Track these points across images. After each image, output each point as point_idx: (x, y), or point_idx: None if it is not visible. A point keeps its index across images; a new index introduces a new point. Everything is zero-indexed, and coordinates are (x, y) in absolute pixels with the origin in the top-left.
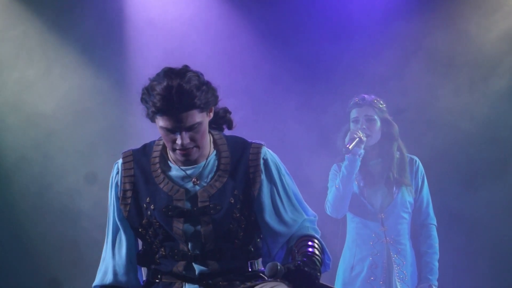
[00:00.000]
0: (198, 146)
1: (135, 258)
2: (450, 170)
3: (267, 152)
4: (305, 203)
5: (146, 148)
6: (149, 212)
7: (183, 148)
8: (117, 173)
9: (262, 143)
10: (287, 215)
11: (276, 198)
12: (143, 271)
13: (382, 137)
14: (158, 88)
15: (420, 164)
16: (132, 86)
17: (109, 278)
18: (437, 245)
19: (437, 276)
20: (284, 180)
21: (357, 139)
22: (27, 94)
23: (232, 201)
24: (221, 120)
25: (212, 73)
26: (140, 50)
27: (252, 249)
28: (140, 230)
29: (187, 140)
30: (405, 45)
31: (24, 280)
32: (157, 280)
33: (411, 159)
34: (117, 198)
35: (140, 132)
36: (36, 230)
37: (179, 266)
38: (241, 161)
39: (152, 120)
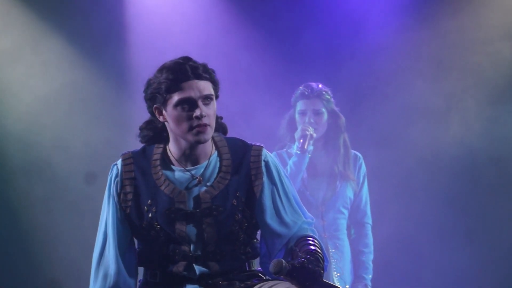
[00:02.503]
0: (210, 125)
1: (135, 260)
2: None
3: (267, 154)
4: (302, 205)
5: (146, 151)
6: (150, 215)
7: (201, 123)
8: (117, 174)
9: (262, 145)
10: (287, 216)
11: (277, 200)
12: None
13: (328, 129)
14: (168, 66)
15: (363, 161)
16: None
17: (112, 281)
18: (372, 244)
19: (372, 276)
20: (284, 182)
21: (309, 135)
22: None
23: (235, 203)
24: (215, 126)
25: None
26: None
27: (249, 250)
28: (140, 231)
29: (205, 111)
30: (405, 48)
31: (24, 280)
32: (155, 280)
33: (355, 155)
34: (118, 199)
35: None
36: (36, 230)
37: (179, 267)
38: (243, 163)
39: (157, 136)
